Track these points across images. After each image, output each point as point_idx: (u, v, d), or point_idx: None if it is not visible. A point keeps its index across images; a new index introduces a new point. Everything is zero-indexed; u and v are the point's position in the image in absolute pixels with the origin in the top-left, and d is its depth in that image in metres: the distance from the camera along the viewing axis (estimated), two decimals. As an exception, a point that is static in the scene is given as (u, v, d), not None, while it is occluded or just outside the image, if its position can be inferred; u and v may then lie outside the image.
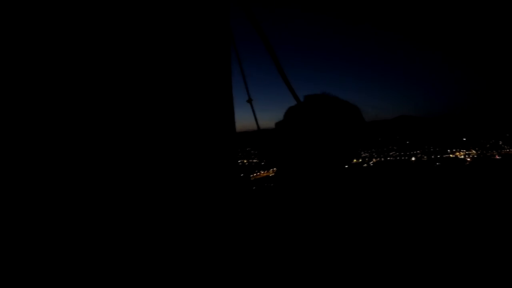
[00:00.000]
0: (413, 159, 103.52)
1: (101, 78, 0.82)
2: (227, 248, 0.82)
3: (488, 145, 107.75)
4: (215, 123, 1.06)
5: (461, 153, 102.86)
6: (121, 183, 0.85)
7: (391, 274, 0.63)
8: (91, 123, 0.82)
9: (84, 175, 0.80)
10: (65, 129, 0.79)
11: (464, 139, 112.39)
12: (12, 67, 0.75)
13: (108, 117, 0.83)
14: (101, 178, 0.82)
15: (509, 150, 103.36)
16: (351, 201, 0.72)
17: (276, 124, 0.89)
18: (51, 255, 0.79)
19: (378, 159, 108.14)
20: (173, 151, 0.96)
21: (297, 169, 0.81)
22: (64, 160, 0.79)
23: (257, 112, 2.01)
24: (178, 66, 0.97)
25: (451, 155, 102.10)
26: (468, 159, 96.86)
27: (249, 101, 1.86)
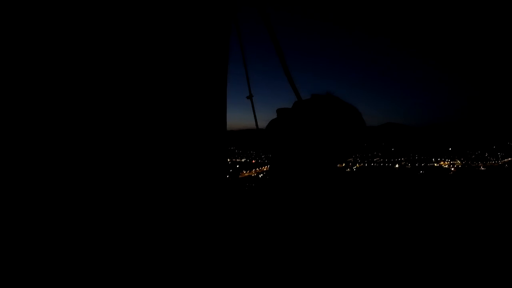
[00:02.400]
0: (396, 166, 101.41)
1: (92, 75, 0.85)
2: (217, 247, 0.82)
3: (473, 156, 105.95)
4: (206, 122, 1.08)
5: (446, 162, 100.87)
6: (111, 181, 0.87)
7: (379, 273, 0.63)
8: (79, 120, 0.84)
9: (76, 172, 0.82)
10: (61, 128, 0.81)
11: (450, 149, 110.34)
12: (12, 67, 0.77)
13: (98, 116, 0.86)
14: (92, 177, 0.84)
15: (494, 162, 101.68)
16: (335, 203, 0.72)
17: (269, 123, 0.89)
18: (51, 255, 0.81)
19: (362, 164, 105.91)
20: (162, 149, 0.97)
21: (289, 169, 0.80)
22: (59, 159, 0.81)
23: (256, 110, 1.87)
24: (169, 63, 0.99)
25: (435, 164, 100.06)
26: (452, 169, 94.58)
27: (250, 97, 1.70)
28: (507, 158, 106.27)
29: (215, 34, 1.08)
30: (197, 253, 0.82)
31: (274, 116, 0.93)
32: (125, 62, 0.88)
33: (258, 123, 1.67)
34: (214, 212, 0.89)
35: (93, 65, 0.85)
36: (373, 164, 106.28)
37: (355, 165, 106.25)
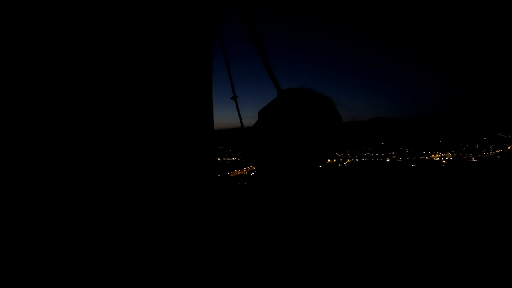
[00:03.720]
0: (387, 160, 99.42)
1: (79, 75, 0.83)
2: (208, 245, 0.81)
3: (464, 148, 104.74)
4: (193, 121, 1.06)
5: (437, 155, 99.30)
6: (104, 181, 0.85)
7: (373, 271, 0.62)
8: (75, 119, 0.83)
9: (71, 171, 0.80)
10: (60, 128, 0.79)
11: (440, 141, 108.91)
12: (12, 67, 0.76)
13: (87, 117, 0.84)
14: (85, 177, 0.82)
15: (486, 154, 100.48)
16: (327, 200, 0.71)
17: (254, 125, 0.86)
18: (51, 255, 0.79)
19: (353, 159, 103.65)
20: (150, 149, 0.95)
21: (273, 168, 0.79)
22: (58, 159, 0.79)
23: (240, 110, 2.03)
24: (157, 65, 0.97)
25: (426, 157, 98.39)
26: (444, 162, 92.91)
27: (234, 98, 1.81)
28: (498, 149, 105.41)
29: (198, 33, 1.08)
30: (187, 251, 0.81)
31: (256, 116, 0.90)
32: (112, 63, 0.86)
33: (245, 122, 1.71)
34: (204, 210, 0.89)
35: (83, 66, 0.84)
36: (364, 158, 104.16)
37: (346, 160, 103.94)
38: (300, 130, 0.76)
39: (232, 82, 1.79)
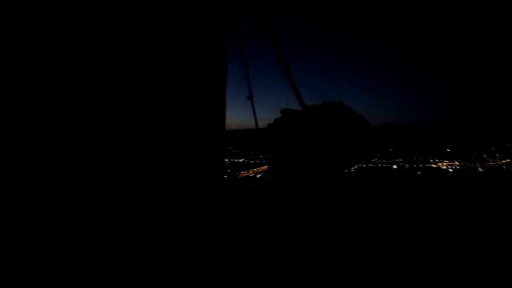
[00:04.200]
0: (394, 167, 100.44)
1: (92, 76, 0.81)
2: (215, 246, 0.81)
3: (472, 157, 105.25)
4: (206, 122, 1.05)
5: (444, 164, 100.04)
6: (111, 180, 0.84)
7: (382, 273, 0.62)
8: (78, 119, 0.81)
9: (73, 169, 0.78)
10: (63, 128, 0.78)
11: (448, 150, 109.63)
12: (13, 67, 0.75)
13: (97, 116, 0.82)
14: (90, 175, 0.80)
15: (493, 164, 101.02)
16: (338, 203, 0.71)
17: (269, 124, 0.86)
18: (51, 255, 0.78)
19: (360, 165, 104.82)
20: (161, 149, 0.94)
21: (290, 170, 0.79)
22: (61, 159, 0.78)
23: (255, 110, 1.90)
24: (170, 65, 0.96)
25: (433, 165, 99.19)
26: (451, 170, 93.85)
27: (250, 97, 1.73)
28: (505, 160, 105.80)
29: (214, 35, 1.06)
30: (195, 252, 0.81)
31: (273, 117, 0.90)
32: (124, 62, 0.83)
33: (258, 124, 1.60)
34: (212, 211, 0.88)
35: (93, 65, 0.82)
36: (372, 165, 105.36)
37: (354, 165, 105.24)
38: (338, 141, 0.78)
39: (249, 81, 1.67)
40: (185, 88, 1.00)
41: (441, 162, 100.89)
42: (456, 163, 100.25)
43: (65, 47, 0.81)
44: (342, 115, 0.82)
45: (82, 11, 0.82)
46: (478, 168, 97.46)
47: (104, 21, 0.85)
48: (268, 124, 0.88)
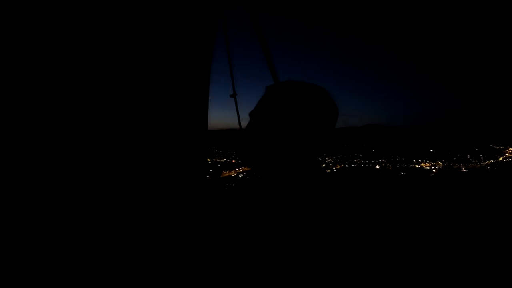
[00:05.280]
0: (377, 167, 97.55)
1: (80, 75, 0.82)
2: (198, 245, 0.80)
3: (455, 158, 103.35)
4: (188, 121, 1.05)
5: (427, 164, 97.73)
6: (102, 180, 0.85)
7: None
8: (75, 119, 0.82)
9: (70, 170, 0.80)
10: (60, 128, 0.80)
11: (432, 150, 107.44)
12: (13, 67, 0.76)
13: (88, 117, 0.84)
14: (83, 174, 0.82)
15: (477, 164, 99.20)
16: (319, 202, 0.68)
17: (251, 113, 0.82)
18: (51, 255, 0.78)
19: (342, 165, 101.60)
20: (142, 148, 0.94)
21: (269, 169, 0.76)
22: (58, 158, 0.79)
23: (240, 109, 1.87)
24: (152, 63, 0.95)
25: (416, 166, 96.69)
26: (434, 171, 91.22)
27: (233, 95, 1.68)
28: (489, 160, 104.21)
29: (199, 32, 1.05)
30: (179, 250, 0.81)
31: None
32: (107, 61, 0.85)
33: (241, 123, 1.68)
34: (195, 210, 0.89)
35: (82, 65, 0.83)
36: (354, 165, 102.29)
37: (336, 166, 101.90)
38: (295, 126, 0.71)
39: (233, 78, 1.61)
40: (167, 86, 0.99)
41: (425, 163, 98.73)
42: (440, 163, 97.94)
43: (58, 48, 0.81)
44: (294, 98, 0.73)
45: (77, 12, 0.82)
46: (461, 169, 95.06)
47: (90, 20, 0.84)
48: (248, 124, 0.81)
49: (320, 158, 0.79)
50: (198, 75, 1.06)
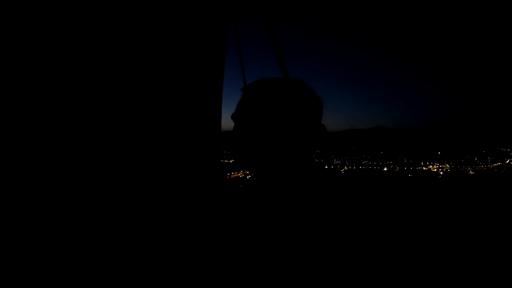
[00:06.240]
0: (385, 169, 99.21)
1: (89, 75, 0.83)
2: (211, 246, 0.80)
3: (462, 160, 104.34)
4: (202, 123, 1.06)
5: (435, 166, 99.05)
6: (104, 180, 0.85)
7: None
8: (77, 119, 0.82)
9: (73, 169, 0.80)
10: (61, 128, 0.80)
11: (439, 153, 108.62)
12: (13, 67, 0.75)
13: (94, 116, 0.84)
14: (88, 175, 0.82)
15: (484, 167, 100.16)
16: (324, 203, 0.68)
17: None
18: (51, 255, 0.79)
19: (350, 167, 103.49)
20: (158, 149, 0.95)
21: (263, 169, 0.75)
22: (59, 159, 0.79)
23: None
24: (168, 66, 0.97)
25: (424, 168, 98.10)
26: (441, 173, 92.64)
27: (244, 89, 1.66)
28: (496, 163, 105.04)
29: (212, 35, 1.07)
30: (191, 252, 0.80)
31: None
32: (120, 62, 0.85)
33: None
34: (208, 212, 0.89)
35: (90, 65, 0.83)
36: (362, 167, 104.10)
37: (343, 167, 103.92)
38: (277, 124, 0.70)
39: (244, 72, 1.60)
40: (182, 89, 0.99)
41: (432, 165, 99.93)
42: (447, 165, 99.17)
43: (60, 48, 0.81)
44: (269, 96, 0.72)
45: (79, 12, 0.82)
46: (469, 171, 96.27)
47: (103, 21, 0.85)
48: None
49: (315, 155, 0.78)
50: (211, 76, 1.06)
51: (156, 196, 0.94)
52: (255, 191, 0.81)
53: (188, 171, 1.02)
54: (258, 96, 0.73)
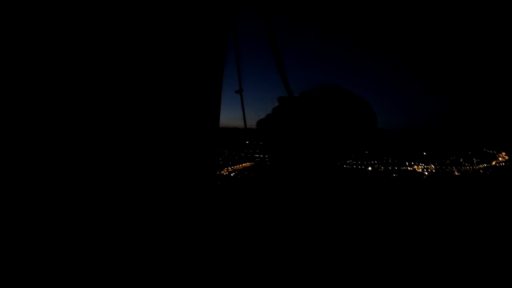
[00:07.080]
0: (369, 168, 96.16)
1: (88, 74, 0.83)
2: (211, 244, 0.81)
3: (448, 161, 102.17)
4: (201, 121, 1.08)
5: (420, 167, 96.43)
6: (103, 179, 0.85)
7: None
8: (76, 119, 0.82)
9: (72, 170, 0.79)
10: (61, 128, 0.79)
11: (425, 153, 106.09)
12: (12, 67, 0.76)
13: (93, 115, 0.84)
14: (86, 174, 0.82)
15: (469, 168, 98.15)
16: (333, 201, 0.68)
17: (259, 122, 0.83)
18: (51, 255, 0.79)
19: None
20: (157, 148, 0.96)
21: (288, 161, 0.75)
22: (59, 159, 0.79)
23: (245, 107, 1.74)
24: (165, 63, 0.98)
25: (409, 168, 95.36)
26: (426, 173, 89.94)
27: (239, 91, 1.61)
28: (482, 164, 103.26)
29: (213, 35, 1.09)
30: (192, 250, 0.81)
31: (263, 113, 0.87)
32: (120, 61, 0.87)
33: (246, 121, 1.64)
34: (207, 209, 0.90)
35: (90, 64, 0.83)
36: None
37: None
38: (337, 128, 0.71)
39: (239, 73, 1.55)
40: (182, 88, 1.01)
41: (417, 165, 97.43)
42: (432, 166, 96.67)
43: (65, 47, 0.81)
44: (339, 100, 0.75)
45: (79, 11, 0.82)
46: (454, 172, 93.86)
47: (103, 20, 0.85)
48: (268, 115, 0.83)
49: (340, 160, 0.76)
50: (211, 76, 1.08)
51: (156, 196, 0.93)
52: (251, 187, 0.79)
53: (188, 168, 1.02)
54: (330, 99, 0.74)
